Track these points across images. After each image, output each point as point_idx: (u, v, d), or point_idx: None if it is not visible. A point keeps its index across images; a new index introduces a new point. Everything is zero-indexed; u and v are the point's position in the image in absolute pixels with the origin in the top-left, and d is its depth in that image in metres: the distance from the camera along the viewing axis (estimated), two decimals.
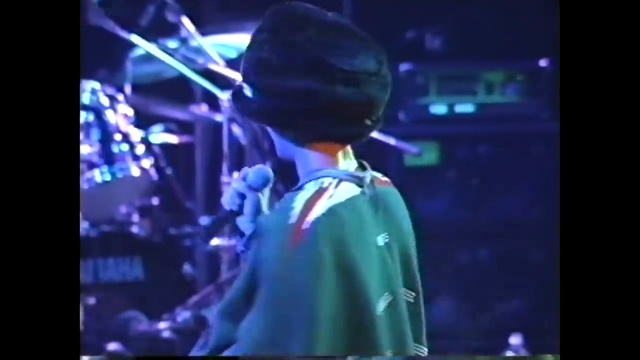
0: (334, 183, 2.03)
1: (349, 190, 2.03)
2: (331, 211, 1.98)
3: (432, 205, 5.83)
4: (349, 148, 2.10)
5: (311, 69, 1.99)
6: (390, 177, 2.09)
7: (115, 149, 5.06)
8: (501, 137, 5.88)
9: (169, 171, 5.48)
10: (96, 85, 5.12)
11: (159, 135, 5.55)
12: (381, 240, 2.03)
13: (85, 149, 4.97)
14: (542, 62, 5.73)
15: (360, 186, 2.05)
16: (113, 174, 5.02)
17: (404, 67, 5.78)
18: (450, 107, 5.85)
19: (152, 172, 5.17)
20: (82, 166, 4.97)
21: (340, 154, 2.07)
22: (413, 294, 2.08)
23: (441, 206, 5.91)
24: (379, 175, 2.15)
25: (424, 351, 2.10)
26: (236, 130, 5.04)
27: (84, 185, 4.95)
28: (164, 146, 5.54)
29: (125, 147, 5.08)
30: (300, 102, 1.99)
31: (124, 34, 5.07)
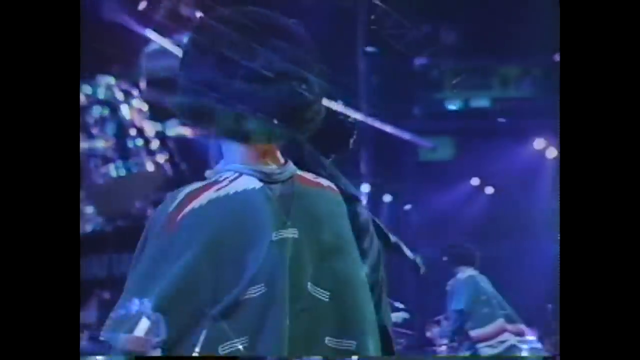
0: (231, 177, 2.05)
1: (246, 183, 2.03)
2: (211, 203, 2.00)
3: (446, 200, 5.82)
4: (273, 148, 2.07)
5: (217, 62, 2.01)
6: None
7: (130, 143, 5.08)
8: (516, 131, 5.87)
9: (183, 166, 5.50)
10: (111, 80, 5.14)
11: (174, 131, 5.56)
12: (277, 235, 2.03)
13: (100, 144, 4.99)
14: (557, 57, 5.70)
15: (265, 182, 2.06)
16: (128, 169, 5.05)
17: (419, 61, 5.78)
18: (465, 101, 5.85)
19: (167, 167, 5.19)
20: (97, 161, 4.99)
21: (259, 152, 2.08)
22: (327, 293, 2.07)
23: (455, 201, 5.90)
24: (308, 175, 2.14)
25: (351, 344, 2.10)
26: None
27: (99, 180, 4.97)
28: (179, 141, 5.55)
29: (140, 142, 5.10)
30: (204, 96, 2.01)
31: (139, 29, 5.09)
